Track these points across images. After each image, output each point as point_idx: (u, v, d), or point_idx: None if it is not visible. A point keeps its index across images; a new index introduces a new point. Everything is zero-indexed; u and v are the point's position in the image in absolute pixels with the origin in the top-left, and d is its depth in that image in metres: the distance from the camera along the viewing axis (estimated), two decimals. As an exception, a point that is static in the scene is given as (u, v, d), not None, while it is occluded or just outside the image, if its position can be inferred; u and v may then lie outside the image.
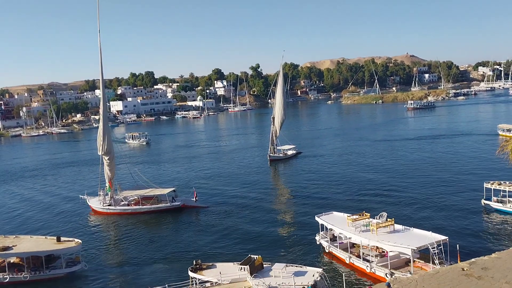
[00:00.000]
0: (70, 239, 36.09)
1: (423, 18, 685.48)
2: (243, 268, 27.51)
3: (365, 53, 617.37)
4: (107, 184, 51.87)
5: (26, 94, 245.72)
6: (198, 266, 29.70)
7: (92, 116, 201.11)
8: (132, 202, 50.86)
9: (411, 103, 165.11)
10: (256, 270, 27.93)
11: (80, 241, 35.53)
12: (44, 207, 55.89)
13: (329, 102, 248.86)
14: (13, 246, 34.57)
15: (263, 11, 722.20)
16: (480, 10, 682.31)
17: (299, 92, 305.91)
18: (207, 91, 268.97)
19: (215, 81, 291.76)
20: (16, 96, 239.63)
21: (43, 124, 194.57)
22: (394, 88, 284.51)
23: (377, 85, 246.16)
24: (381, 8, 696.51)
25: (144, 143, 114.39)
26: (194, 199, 49.79)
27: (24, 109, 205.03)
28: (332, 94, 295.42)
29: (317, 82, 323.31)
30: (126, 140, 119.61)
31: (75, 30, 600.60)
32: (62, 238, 35.73)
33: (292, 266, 28.54)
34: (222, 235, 40.35)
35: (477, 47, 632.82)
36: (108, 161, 51.94)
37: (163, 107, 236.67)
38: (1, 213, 54.64)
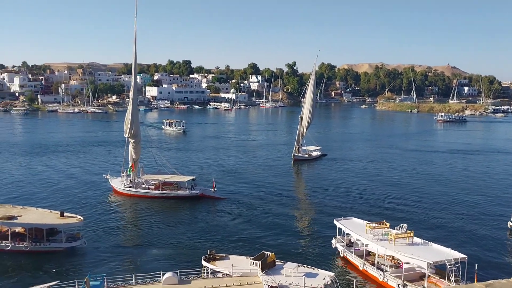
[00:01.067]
0: (73, 215, 36.81)
1: (467, 30, 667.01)
2: (255, 263, 27.53)
3: (405, 60, 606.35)
4: (130, 166, 52.93)
5: (66, 72, 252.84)
6: (212, 256, 29.84)
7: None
8: (153, 186, 51.68)
9: (441, 115, 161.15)
10: (268, 267, 27.91)
11: (82, 218, 36.22)
12: (69, 182, 57.43)
13: (363, 106, 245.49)
14: (19, 216, 35.63)
15: (305, 8, 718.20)
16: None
17: (333, 94, 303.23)
18: (241, 84, 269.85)
19: (250, 76, 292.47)
20: (56, 73, 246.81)
21: (79, 102, 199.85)
22: (431, 99, 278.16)
23: (415, 94, 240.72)
24: (426, 17, 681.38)
25: (181, 131, 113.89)
26: (212, 189, 50.23)
27: (62, 86, 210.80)
28: (367, 98, 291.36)
29: (353, 85, 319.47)
30: (163, 127, 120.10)
31: (121, 13, 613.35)
32: (66, 214, 36.53)
33: (304, 267, 28.36)
34: (238, 228, 40.51)
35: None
36: (134, 144, 53.00)
37: (197, 96, 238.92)
38: (27, 183, 56.32)
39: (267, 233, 39.06)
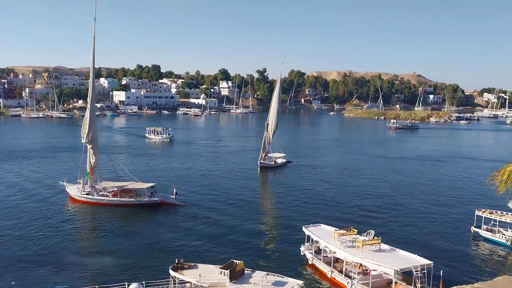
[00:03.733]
0: None
1: (433, 38, 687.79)
2: (223, 272, 27.13)
3: (372, 68, 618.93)
4: (87, 173, 51.76)
5: (30, 75, 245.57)
6: (180, 265, 29.26)
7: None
8: (111, 193, 50.49)
9: (394, 123, 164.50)
10: (237, 276, 27.53)
11: None
12: (25, 189, 55.56)
13: (332, 113, 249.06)
14: None
15: (275, 15, 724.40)
16: (490, 37, 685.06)
17: (302, 100, 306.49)
18: (212, 90, 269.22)
19: (220, 81, 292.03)
20: (20, 76, 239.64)
21: (44, 106, 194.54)
22: (397, 106, 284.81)
23: (381, 101, 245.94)
24: (393, 25, 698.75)
25: (167, 139, 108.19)
26: (173, 196, 49.47)
27: (27, 90, 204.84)
28: (335, 105, 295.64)
29: (322, 92, 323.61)
30: (146, 135, 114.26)
31: (87, 16, 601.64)
32: None
33: (273, 275, 28.18)
34: (205, 236, 39.76)
35: (485, 73, 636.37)
36: (92, 150, 51.93)
37: (166, 101, 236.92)
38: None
39: (235, 241, 38.60)
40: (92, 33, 50.87)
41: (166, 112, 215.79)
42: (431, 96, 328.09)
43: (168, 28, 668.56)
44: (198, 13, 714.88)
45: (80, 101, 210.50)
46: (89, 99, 53.35)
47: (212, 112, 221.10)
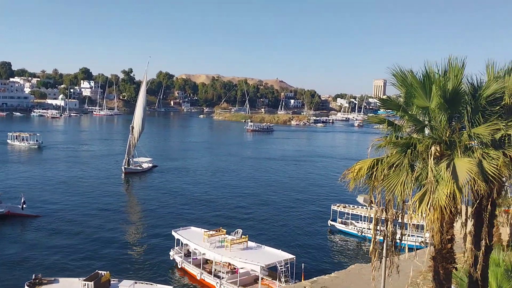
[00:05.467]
0: None
1: (294, 46, 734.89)
2: (86, 285, 25.64)
3: (239, 73, 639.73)
4: None
5: None
6: (38, 280, 27.10)
7: None
8: None
9: (251, 125, 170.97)
10: (102, 287, 26.30)
11: None
12: None
13: (201, 116, 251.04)
14: None
15: (140, 13, 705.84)
16: (343, 49, 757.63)
17: (172, 103, 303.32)
18: (71, 90, 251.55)
19: (82, 81, 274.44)
20: None
21: None
22: (262, 110, 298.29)
23: (248, 105, 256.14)
24: (256, 31, 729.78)
25: (36, 146, 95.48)
26: (21, 206, 45.17)
27: None
28: (205, 108, 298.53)
29: (191, 95, 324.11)
30: (9, 141, 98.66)
31: None
32: None
33: (141, 283, 27.54)
34: (64, 248, 36.88)
35: (338, 81, 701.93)
36: None
37: (18, 102, 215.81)
38: None
39: (100, 251, 36.53)
40: None
41: (18, 114, 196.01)
42: (292, 101, 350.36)
43: (19, 21, 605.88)
44: (54, 7, 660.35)
45: None
46: None
47: (72, 114, 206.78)
